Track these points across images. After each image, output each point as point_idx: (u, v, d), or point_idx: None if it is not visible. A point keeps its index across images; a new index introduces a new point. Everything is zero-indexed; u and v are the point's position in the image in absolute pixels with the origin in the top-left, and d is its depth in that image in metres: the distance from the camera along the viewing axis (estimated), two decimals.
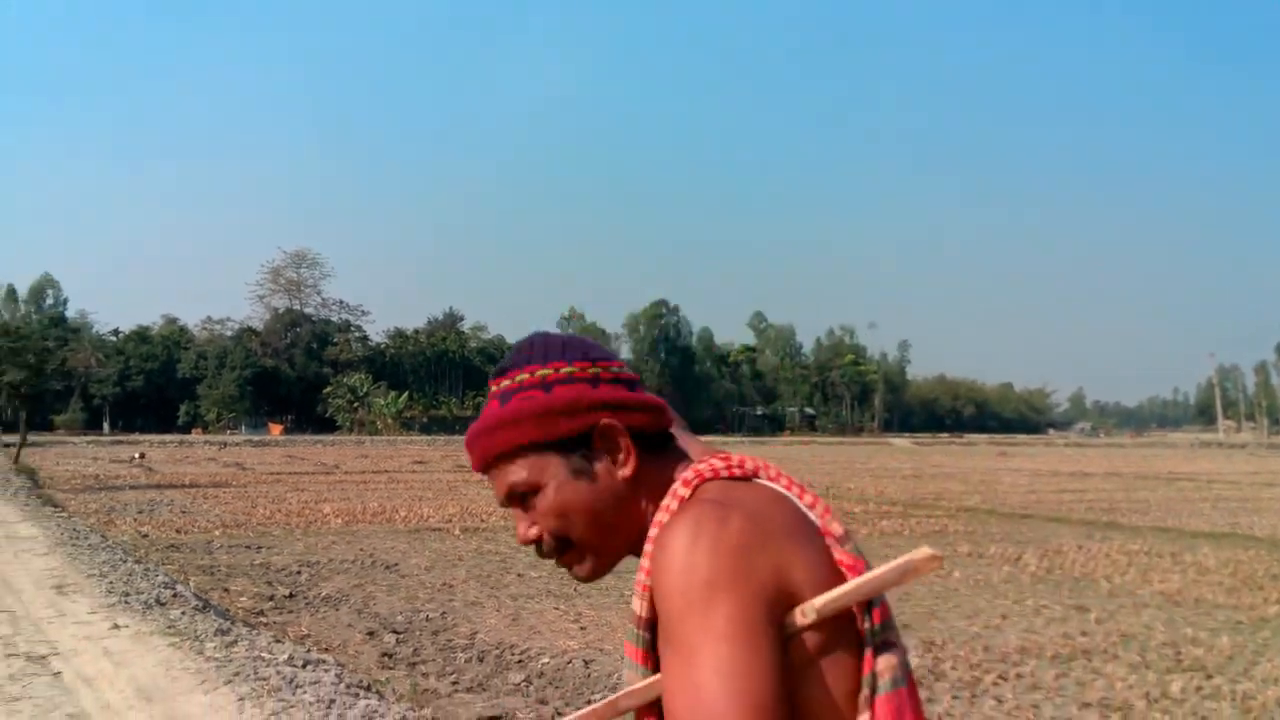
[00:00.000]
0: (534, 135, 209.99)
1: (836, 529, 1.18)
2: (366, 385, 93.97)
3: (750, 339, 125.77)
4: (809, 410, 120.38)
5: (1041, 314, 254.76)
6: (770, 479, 1.22)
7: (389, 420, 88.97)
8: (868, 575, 1.12)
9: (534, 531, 1.26)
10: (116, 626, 7.28)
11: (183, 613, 7.73)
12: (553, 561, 1.28)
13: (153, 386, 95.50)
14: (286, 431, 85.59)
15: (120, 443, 57.29)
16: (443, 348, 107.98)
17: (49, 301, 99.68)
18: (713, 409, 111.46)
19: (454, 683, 6.81)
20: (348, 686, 5.55)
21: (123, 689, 5.56)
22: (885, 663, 1.12)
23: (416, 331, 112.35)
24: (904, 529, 16.19)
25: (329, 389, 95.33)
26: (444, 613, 9.11)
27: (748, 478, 1.21)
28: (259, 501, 20.89)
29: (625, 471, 1.24)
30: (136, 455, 40.50)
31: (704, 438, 1.35)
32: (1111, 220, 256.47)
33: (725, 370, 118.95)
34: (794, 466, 37.60)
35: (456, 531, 15.26)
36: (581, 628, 8.42)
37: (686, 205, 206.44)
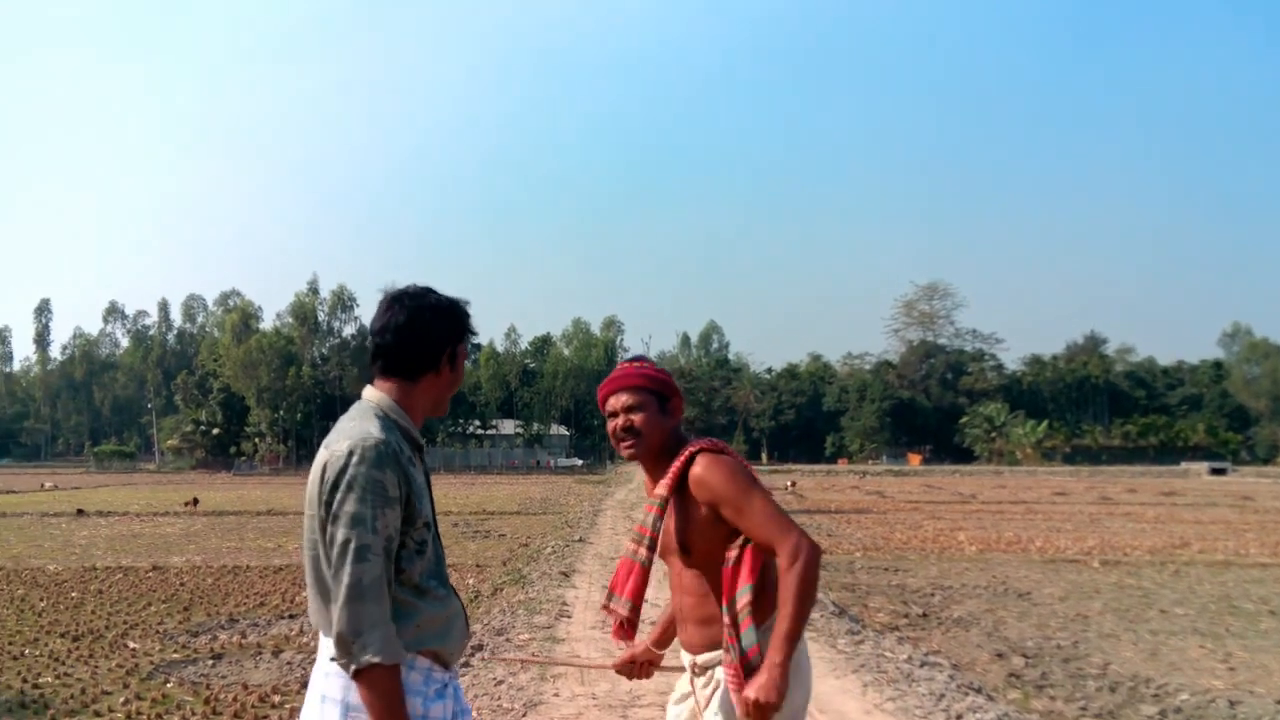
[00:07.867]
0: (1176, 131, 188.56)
1: None
2: (1003, 414, 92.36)
3: None
4: None
5: None
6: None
7: (1028, 450, 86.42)
8: None
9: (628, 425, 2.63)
10: None
11: (821, 615, 8.68)
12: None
13: (802, 419, 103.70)
14: (924, 461, 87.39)
15: (776, 471, 63.32)
16: (1084, 373, 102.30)
17: (714, 346, 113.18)
18: None
19: (1082, 708, 6.71)
20: (958, 686, 5.87)
21: None
22: None
23: (1055, 357, 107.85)
24: None
25: (965, 419, 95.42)
26: (1076, 642, 8.92)
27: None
28: (897, 527, 21.85)
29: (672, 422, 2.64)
30: (789, 484, 44.27)
31: None
32: None
33: None
34: None
35: (1095, 564, 14.64)
36: (1230, 668, 7.74)
37: None
